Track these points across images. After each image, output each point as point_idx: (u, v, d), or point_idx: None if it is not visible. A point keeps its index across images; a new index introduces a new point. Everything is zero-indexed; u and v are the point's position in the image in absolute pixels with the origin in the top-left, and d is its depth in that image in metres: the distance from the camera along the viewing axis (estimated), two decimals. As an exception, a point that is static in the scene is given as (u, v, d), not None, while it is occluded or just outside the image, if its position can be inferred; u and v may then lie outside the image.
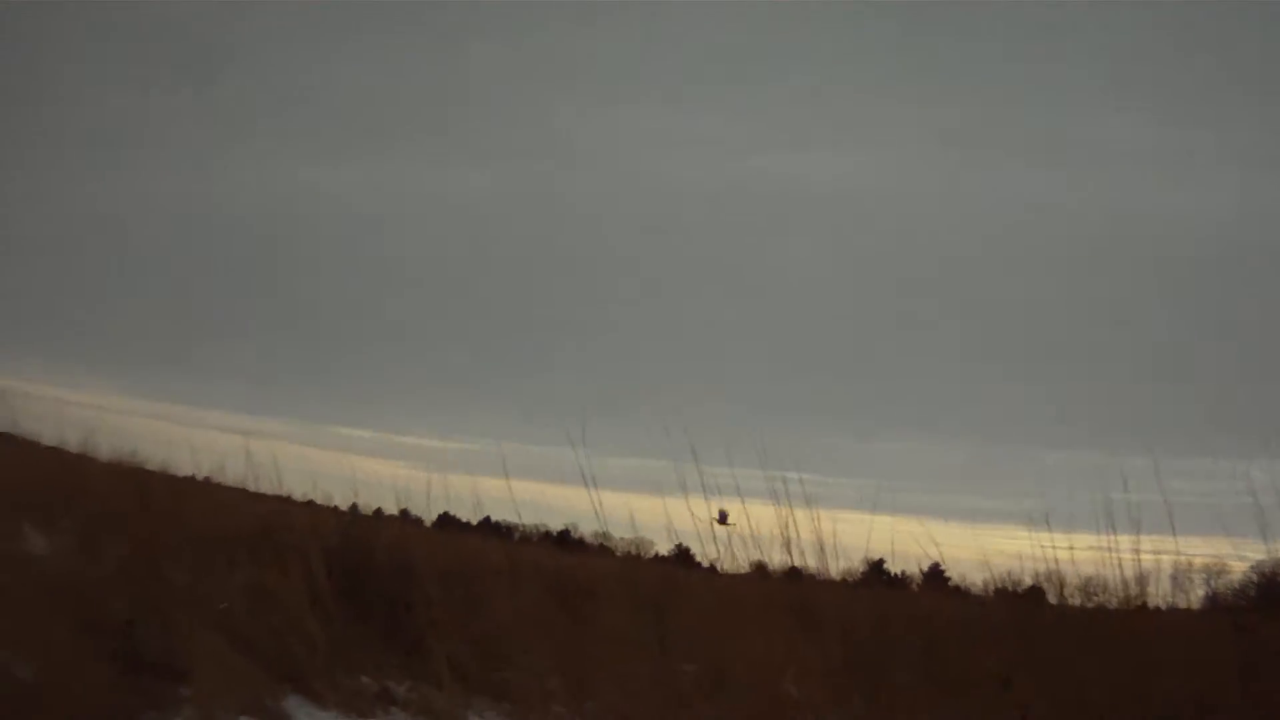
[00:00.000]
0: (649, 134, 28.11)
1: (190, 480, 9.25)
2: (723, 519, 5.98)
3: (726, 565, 7.02)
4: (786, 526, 6.00)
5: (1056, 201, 25.06)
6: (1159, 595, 6.82)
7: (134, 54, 26.86)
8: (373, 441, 19.58)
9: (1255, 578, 9.09)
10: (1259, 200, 23.19)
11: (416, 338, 26.83)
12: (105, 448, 9.03)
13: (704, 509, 6.28)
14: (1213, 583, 7.51)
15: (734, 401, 22.33)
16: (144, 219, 27.03)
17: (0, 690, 4.59)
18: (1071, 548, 6.61)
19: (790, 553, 6.25)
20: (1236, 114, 24.03)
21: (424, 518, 11.48)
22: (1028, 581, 8.69)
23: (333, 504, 10.96)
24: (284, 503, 9.71)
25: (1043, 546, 6.32)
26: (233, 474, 9.22)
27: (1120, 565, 6.32)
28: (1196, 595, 6.73)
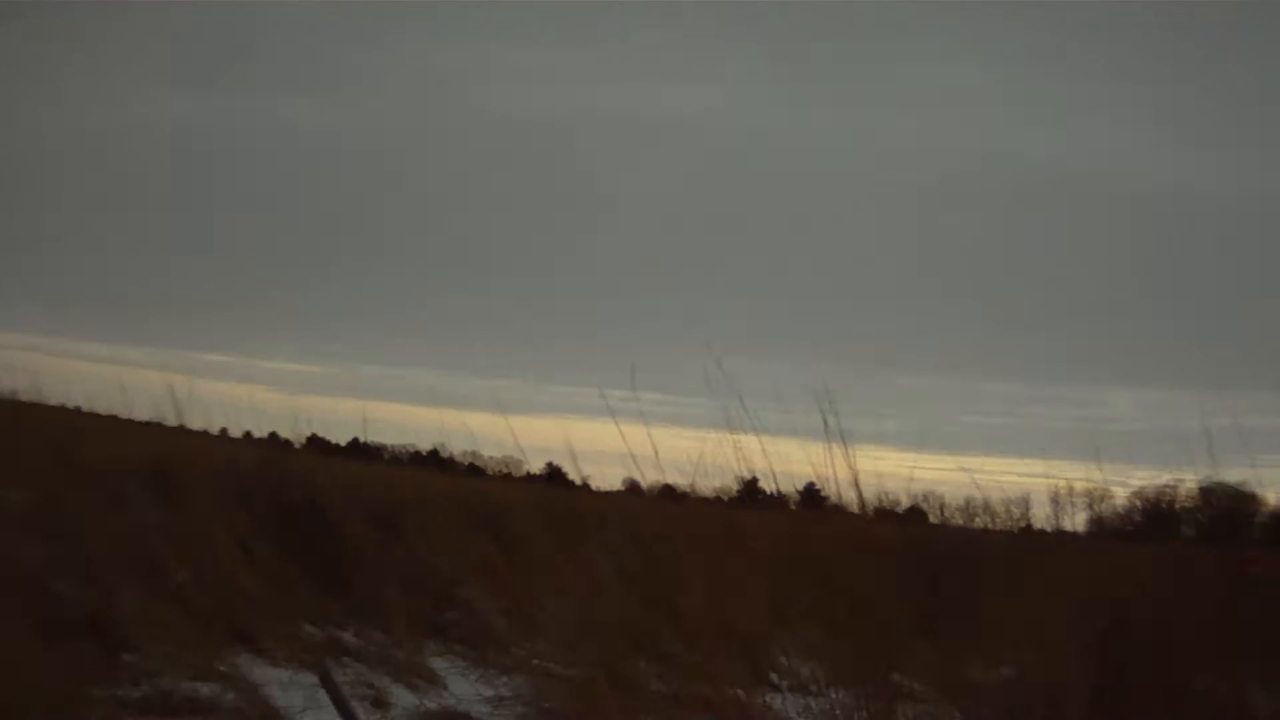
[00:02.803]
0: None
1: (61, 410, 8.15)
2: None
3: (598, 484, 6.93)
4: (652, 445, 5.44)
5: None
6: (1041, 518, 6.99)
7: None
8: (234, 366, 18.37)
9: (1139, 503, 9.48)
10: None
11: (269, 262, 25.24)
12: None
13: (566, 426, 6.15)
14: (1096, 508, 7.64)
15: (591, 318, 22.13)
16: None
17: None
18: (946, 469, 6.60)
19: (660, 471, 5.88)
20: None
21: (293, 441, 11.03)
22: (905, 502, 8.88)
23: (205, 430, 10.17)
24: (159, 429, 8.78)
25: (913, 468, 5.97)
26: (101, 403, 8.32)
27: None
28: (1079, 519, 6.82)
